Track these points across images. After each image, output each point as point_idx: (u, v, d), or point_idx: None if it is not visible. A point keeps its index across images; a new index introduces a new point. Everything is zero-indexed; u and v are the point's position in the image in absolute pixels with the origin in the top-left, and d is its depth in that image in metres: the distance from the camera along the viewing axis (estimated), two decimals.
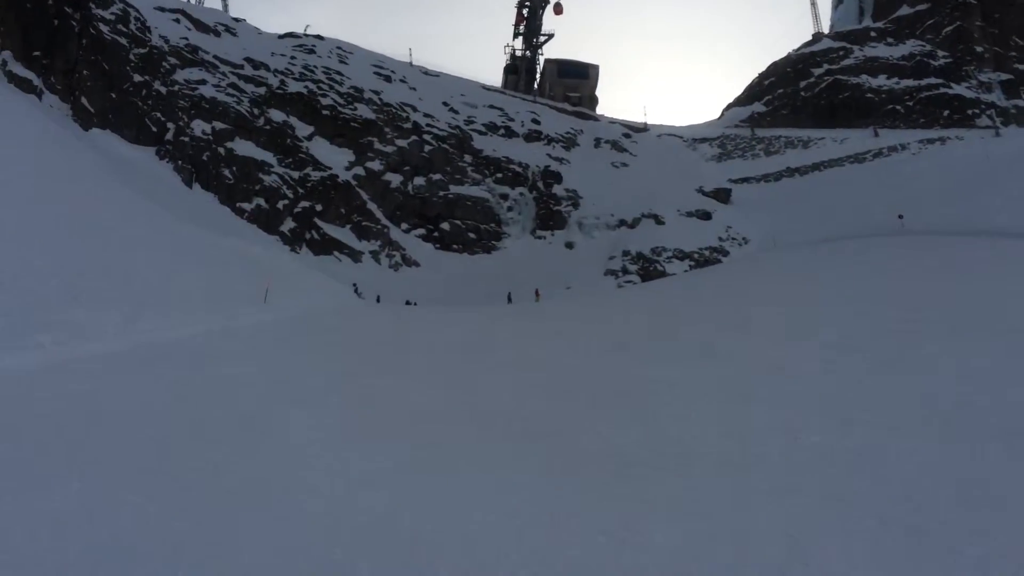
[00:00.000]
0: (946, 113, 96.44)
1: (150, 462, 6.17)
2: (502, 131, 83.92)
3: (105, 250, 17.74)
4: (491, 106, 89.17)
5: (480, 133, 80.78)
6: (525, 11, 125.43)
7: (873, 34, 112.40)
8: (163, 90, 54.72)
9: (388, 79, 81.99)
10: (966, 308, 13.83)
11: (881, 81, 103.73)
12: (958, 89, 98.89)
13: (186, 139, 53.90)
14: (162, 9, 67.74)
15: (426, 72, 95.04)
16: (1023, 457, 5.94)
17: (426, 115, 77.24)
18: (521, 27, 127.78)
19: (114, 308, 13.53)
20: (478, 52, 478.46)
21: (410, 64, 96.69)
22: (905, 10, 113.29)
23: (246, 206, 55.84)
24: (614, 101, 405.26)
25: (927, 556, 4.30)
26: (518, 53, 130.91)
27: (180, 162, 51.85)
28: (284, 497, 5.54)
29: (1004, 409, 7.39)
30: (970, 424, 6.99)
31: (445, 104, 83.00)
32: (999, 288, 16.11)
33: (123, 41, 51.75)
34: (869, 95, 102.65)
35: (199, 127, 56.45)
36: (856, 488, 5.51)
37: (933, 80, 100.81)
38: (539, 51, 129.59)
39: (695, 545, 4.66)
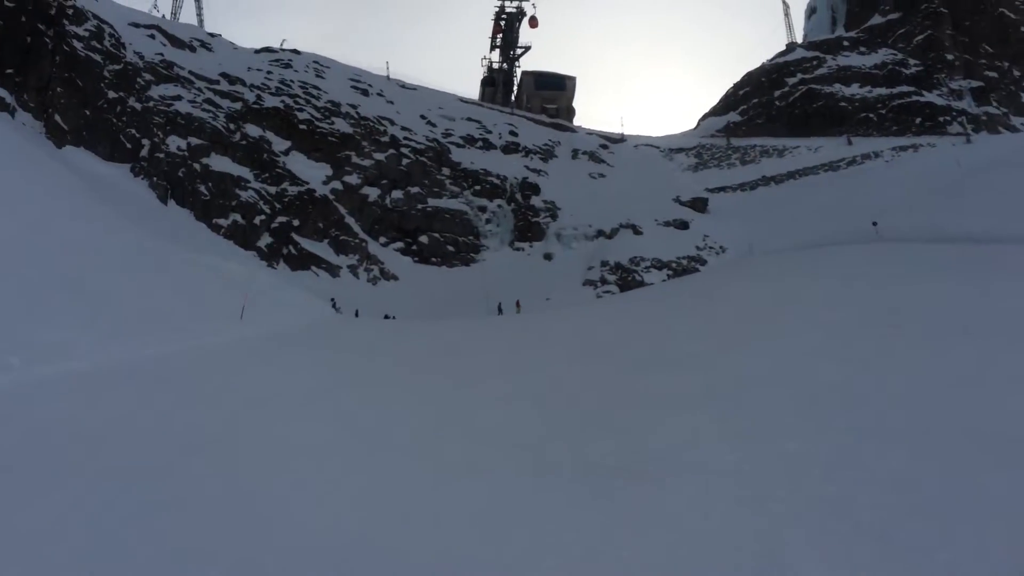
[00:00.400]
0: (918, 121, 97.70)
1: (130, 480, 6.14)
2: (480, 143, 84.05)
3: (79, 269, 17.61)
4: (469, 119, 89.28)
5: (458, 146, 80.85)
6: (502, 23, 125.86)
7: (846, 43, 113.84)
8: (138, 106, 54.39)
9: (365, 93, 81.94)
10: (940, 312, 14.00)
11: (854, 90, 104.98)
12: (930, 97, 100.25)
13: (161, 155, 53.55)
14: (137, 25, 67.34)
15: (403, 85, 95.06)
16: (996, 461, 6.04)
17: (404, 128, 77.22)
18: (498, 40, 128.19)
19: (88, 327, 13.44)
20: (455, 64, 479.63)
21: (387, 78, 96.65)
22: (877, 19, 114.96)
23: (223, 222, 55.49)
24: (591, 112, 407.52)
25: (899, 560, 4.39)
26: (495, 66, 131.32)
27: (155, 178, 51.46)
28: (274, 509, 5.54)
29: (978, 413, 7.50)
30: (945, 429, 7.09)
31: (423, 117, 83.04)
32: (972, 292, 16.32)
33: (97, 57, 51.41)
34: (842, 104, 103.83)
35: (174, 143, 56.10)
36: (831, 495, 5.60)
37: (905, 88, 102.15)
38: (516, 63, 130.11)
39: (671, 555, 4.73)
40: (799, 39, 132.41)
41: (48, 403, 8.83)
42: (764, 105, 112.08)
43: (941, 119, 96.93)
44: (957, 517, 4.95)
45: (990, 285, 16.97)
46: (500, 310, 48.00)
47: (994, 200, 30.21)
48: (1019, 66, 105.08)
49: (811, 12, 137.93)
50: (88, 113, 48.03)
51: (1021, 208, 26.25)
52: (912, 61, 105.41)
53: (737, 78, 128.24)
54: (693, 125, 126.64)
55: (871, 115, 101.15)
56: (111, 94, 51.39)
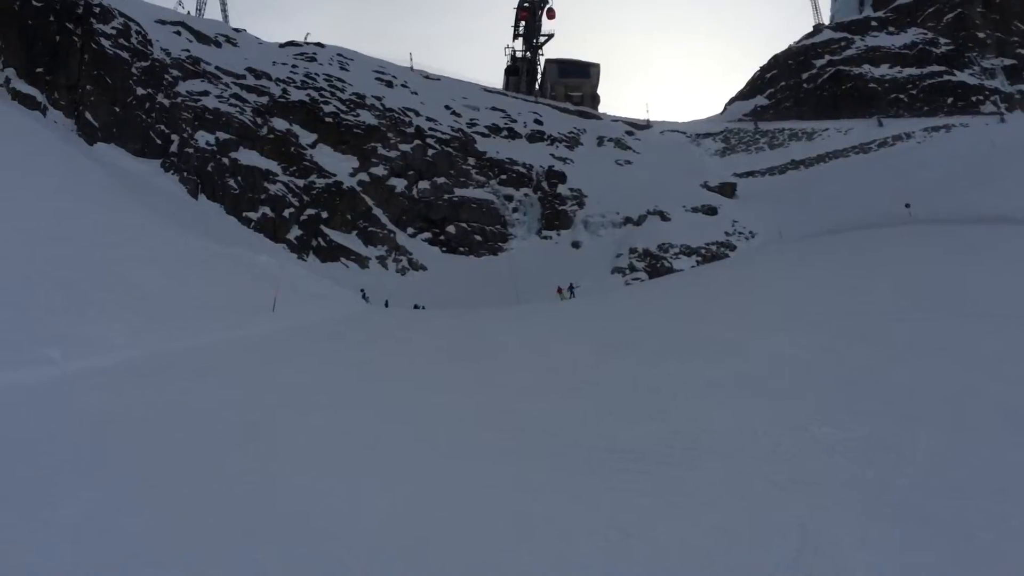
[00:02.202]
0: (950, 100, 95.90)
1: (171, 472, 6.21)
2: (505, 132, 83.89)
3: (112, 263, 17.83)
4: (493, 108, 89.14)
5: (483, 135, 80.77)
6: (525, 8, 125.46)
7: (874, 24, 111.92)
8: (166, 102, 54.94)
9: (389, 84, 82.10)
10: (974, 294, 13.78)
11: (884, 70, 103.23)
12: (961, 76, 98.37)
13: (190, 150, 54.14)
14: (163, 22, 68.05)
15: (427, 76, 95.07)
16: None
17: (428, 119, 77.31)
18: (521, 28, 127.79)
19: (122, 320, 13.59)
20: (478, 54, 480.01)
21: (411, 69, 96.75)
22: None
23: (252, 215, 56.02)
24: (616, 99, 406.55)
25: (941, 540, 4.33)
26: (518, 54, 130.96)
27: (185, 173, 52.12)
28: (298, 503, 5.58)
29: (1013, 395, 7.38)
30: (979, 411, 6.98)
31: (447, 107, 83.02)
32: (1007, 273, 16.06)
33: (125, 55, 51.99)
34: (872, 85, 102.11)
35: (203, 138, 56.65)
36: (868, 477, 5.53)
37: (936, 68, 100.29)
38: (539, 52, 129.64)
39: (710, 538, 4.69)
40: (826, 20, 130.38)
41: (88, 394, 8.96)
42: (792, 88, 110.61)
43: (973, 99, 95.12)
44: (997, 497, 4.88)
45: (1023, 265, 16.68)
46: (572, 292, 46.76)
47: None
48: None
49: None
50: (118, 110, 48.66)
51: None
52: (942, 40, 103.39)
53: (763, 61, 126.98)
54: (719, 110, 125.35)
55: (902, 96, 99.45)
56: (139, 91, 52.00)
